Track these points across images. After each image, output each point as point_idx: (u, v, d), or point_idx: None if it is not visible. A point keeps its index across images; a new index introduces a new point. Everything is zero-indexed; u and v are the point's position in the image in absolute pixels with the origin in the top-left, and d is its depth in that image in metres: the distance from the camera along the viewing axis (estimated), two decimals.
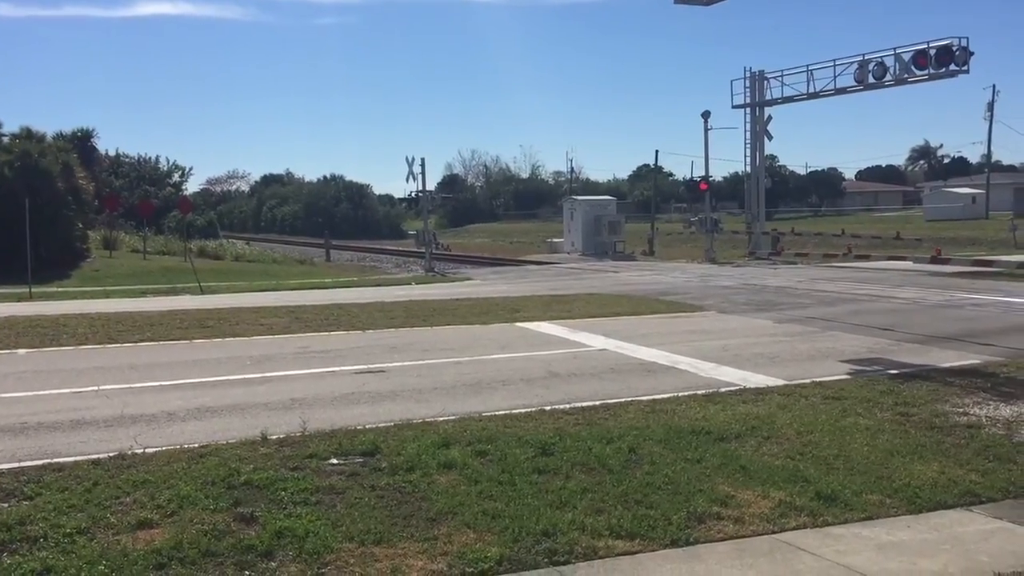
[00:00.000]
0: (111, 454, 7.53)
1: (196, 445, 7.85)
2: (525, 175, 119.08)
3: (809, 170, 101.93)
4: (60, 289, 25.49)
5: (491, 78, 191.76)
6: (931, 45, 29.80)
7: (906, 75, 30.89)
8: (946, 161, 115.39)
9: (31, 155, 32.64)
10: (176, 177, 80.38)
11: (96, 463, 7.27)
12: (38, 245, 26.81)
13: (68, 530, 5.77)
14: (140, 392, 10.47)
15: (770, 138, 37.61)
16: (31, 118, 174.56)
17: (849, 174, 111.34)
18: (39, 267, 25.97)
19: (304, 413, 9.03)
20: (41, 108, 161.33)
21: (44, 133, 38.29)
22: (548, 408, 9.24)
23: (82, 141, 55.49)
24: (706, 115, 39.16)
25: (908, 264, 31.10)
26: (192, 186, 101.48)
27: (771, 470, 7.04)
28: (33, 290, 23.37)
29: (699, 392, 10.02)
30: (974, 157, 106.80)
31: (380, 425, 8.52)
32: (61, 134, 48.53)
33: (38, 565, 5.23)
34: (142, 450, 7.70)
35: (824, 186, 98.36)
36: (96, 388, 10.64)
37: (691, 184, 49.95)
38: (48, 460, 7.44)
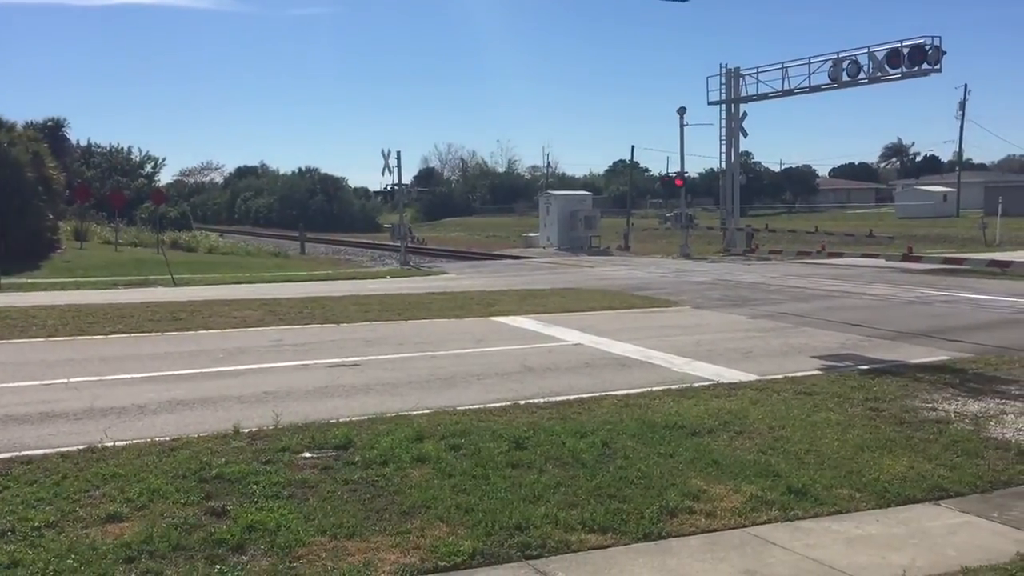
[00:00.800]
0: (81, 447, 7.46)
1: (167, 438, 7.79)
2: (501, 169, 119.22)
3: (783, 167, 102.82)
4: (30, 280, 25.14)
5: (468, 73, 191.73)
6: (904, 44, 30.06)
7: (879, 73, 31.18)
8: (918, 159, 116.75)
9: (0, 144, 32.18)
10: (149, 168, 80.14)
11: (65, 456, 7.20)
12: (7, 235, 26.52)
13: (36, 523, 5.72)
14: (111, 385, 10.36)
15: (745, 135, 37.87)
16: (0, 107, 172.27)
17: (823, 171, 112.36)
18: (8, 258, 25.66)
19: (277, 406, 8.98)
20: (11, 97, 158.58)
21: (14, 122, 37.86)
22: (522, 402, 9.25)
23: (53, 131, 55.02)
24: (682, 111, 39.35)
25: (880, 262, 31.38)
26: (165, 177, 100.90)
27: (743, 464, 7.10)
28: (2, 281, 23.03)
29: (673, 387, 10.07)
30: (946, 155, 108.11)
31: (354, 419, 8.49)
32: (31, 123, 47.98)
33: (5, 559, 5.17)
34: (112, 443, 7.62)
35: (798, 183, 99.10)
36: (66, 380, 10.52)
37: (666, 180, 50.11)
38: (16, 453, 7.36)
